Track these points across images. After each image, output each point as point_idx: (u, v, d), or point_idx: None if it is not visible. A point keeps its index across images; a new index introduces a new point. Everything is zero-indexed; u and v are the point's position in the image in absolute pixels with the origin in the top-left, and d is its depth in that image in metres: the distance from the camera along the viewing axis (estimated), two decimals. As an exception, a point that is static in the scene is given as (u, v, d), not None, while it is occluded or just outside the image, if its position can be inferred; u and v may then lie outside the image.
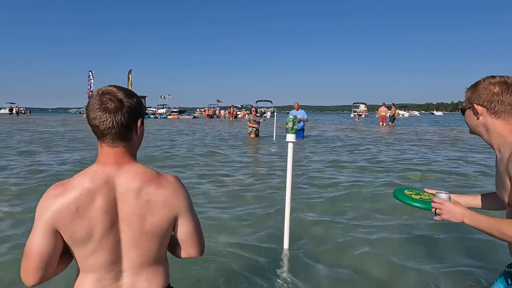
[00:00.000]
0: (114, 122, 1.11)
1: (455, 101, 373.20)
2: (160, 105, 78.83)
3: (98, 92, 1.15)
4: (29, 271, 1.10)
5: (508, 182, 1.46)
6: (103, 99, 1.12)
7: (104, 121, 1.11)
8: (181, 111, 57.27)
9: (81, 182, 1.12)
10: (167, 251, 1.32)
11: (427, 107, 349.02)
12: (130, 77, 42.66)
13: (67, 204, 1.09)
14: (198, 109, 76.51)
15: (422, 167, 7.39)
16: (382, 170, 7.09)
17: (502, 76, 1.55)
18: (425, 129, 22.14)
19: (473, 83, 1.60)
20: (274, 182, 5.84)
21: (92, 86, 44.81)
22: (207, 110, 55.60)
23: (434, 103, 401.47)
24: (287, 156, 2.67)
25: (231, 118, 42.54)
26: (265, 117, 44.77)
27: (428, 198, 1.63)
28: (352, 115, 61.11)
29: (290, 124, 2.70)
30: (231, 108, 46.15)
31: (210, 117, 49.30)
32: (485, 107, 1.54)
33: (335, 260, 2.93)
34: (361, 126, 25.63)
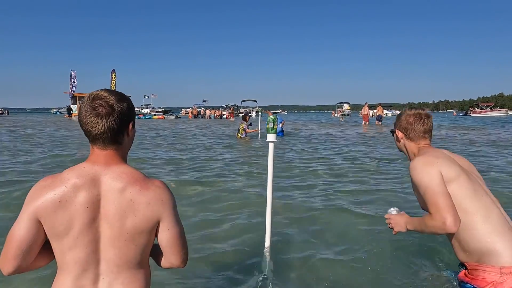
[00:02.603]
0: (106, 127, 1.15)
1: (436, 101, 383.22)
2: (144, 105, 77.77)
3: (89, 97, 1.18)
4: (7, 257, 1.13)
5: (415, 185, 1.79)
6: (95, 104, 1.15)
7: (96, 126, 1.15)
8: (165, 111, 56.53)
9: (69, 176, 1.16)
10: (151, 260, 1.31)
11: (409, 107, 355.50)
12: (113, 76, 41.99)
13: (52, 195, 1.13)
14: (183, 109, 75.84)
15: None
16: (362, 169, 7.22)
17: (417, 108, 2.00)
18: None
19: (400, 112, 2.09)
20: (256, 181, 5.87)
21: (74, 85, 43.84)
22: (191, 110, 55.01)
23: (416, 103, 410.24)
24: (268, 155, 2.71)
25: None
26: (251, 116, 44.71)
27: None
28: (337, 115, 61.97)
29: (270, 124, 2.71)
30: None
31: (195, 117, 48.89)
32: (403, 133, 1.98)
33: (317, 259, 2.97)
34: (344, 125, 25.96)
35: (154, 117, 46.35)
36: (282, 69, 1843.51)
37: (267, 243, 2.67)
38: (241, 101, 58.53)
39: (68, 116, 44.31)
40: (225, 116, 48.35)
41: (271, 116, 2.78)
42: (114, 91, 1.22)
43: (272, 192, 2.71)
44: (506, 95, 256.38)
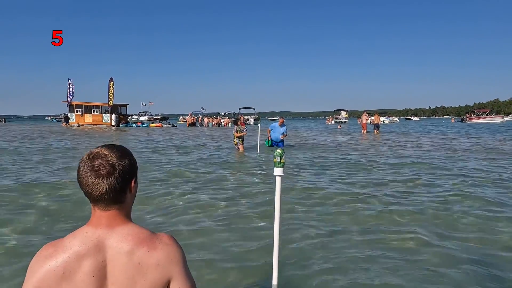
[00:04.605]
0: (107, 188, 1.11)
1: (432, 107, 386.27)
2: (142, 112, 77.98)
3: (88, 157, 1.14)
4: None
5: None
6: (95, 164, 1.11)
7: (97, 188, 1.10)
8: (162, 119, 56.34)
9: (71, 244, 1.11)
10: None
11: (406, 113, 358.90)
12: (111, 85, 41.87)
13: (55, 267, 1.08)
14: (181, 117, 75.85)
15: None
16: (374, 183, 7.18)
17: None
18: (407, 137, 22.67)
19: None
20: (261, 207, 5.60)
21: (71, 94, 43.80)
22: (188, 118, 54.30)
23: (413, 109, 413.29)
24: (271, 175, 2.66)
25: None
26: (248, 123, 44.93)
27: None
28: (333, 122, 62.29)
29: (277, 158, 2.67)
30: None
31: (191, 125, 48.44)
32: None
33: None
34: (345, 134, 25.98)
35: (151, 125, 46.16)
36: (280, 74, 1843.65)
37: (274, 281, 2.62)
38: (239, 109, 58.75)
39: (66, 124, 44.31)
40: (223, 124, 48.34)
41: (278, 150, 2.73)
42: (115, 147, 1.19)
43: (280, 227, 2.68)
44: (501, 101, 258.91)
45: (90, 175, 1.11)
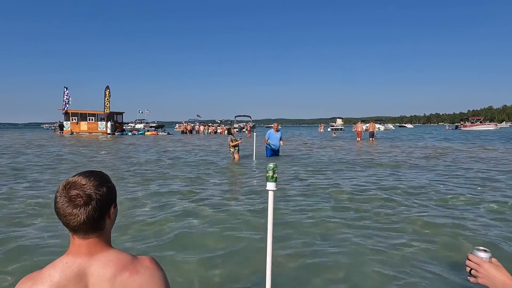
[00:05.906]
0: (85, 219, 1.10)
1: (427, 114, 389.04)
2: (138, 120, 77.95)
3: (65, 187, 1.12)
4: None
5: None
6: (72, 195, 1.10)
7: (74, 218, 1.09)
8: (158, 126, 56.17)
9: (50, 276, 1.09)
10: None
11: (401, 120, 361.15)
12: (107, 93, 41.82)
13: None
14: (177, 124, 75.76)
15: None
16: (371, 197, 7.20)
17: None
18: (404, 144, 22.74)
19: None
20: (254, 217, 5.56)
21: (67, 102, 43.69)
22: (184, 125, 53.96)
23: (408, 116, 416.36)
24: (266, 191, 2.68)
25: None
26: (244, 131, 44.86)
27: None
28: (329, 130, 62.52)
29: (270, 173, 2.68)
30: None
31: (183, 133, 48.27)
32: None
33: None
34: (340, 142, 26.00)
35: (146, 133, 46.07)
36: (277, 79, 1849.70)
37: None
38: (235, 117, 58.74)
39: (60, 132, 44.15)
40: (219, 131, 48.32)
41: (271, 165, 2.75)
42: (93, 174, 1.17)
43: (272, 242, 2.68)
44: (495, 108, 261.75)
45: (67, 206, 1.10)
